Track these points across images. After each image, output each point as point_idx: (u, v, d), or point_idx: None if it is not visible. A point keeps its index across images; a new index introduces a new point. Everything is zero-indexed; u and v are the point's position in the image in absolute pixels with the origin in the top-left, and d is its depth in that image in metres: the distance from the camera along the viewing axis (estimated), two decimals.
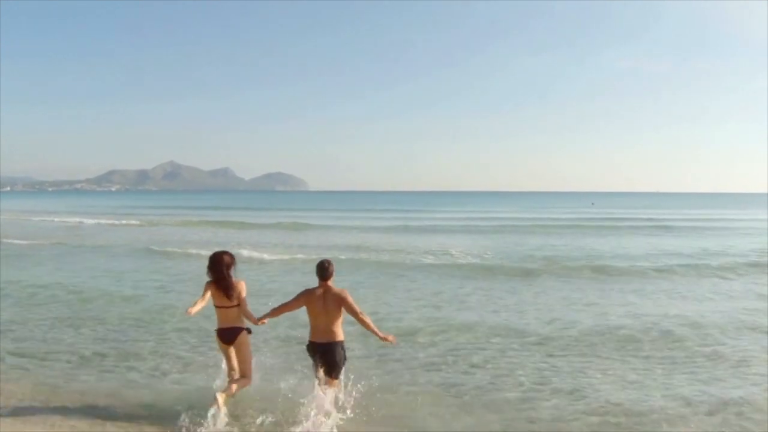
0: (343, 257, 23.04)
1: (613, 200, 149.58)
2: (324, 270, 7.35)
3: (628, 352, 10.44)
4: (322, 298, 7.26)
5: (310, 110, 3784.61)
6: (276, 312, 7.50)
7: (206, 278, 7.42)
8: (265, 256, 23.71)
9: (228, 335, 7.34)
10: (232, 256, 7.48)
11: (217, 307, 7.37)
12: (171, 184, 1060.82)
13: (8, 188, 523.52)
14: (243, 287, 7.38)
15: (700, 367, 9.55)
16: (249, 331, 7.48)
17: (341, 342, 7.29)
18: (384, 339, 7.39)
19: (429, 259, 23.65)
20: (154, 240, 32.39)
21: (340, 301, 7.23)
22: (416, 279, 18.72)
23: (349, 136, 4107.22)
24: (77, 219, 52.31)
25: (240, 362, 7.42)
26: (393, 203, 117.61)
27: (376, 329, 7.30)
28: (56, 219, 52.98)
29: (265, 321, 7.45)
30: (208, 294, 7.31)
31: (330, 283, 7.37)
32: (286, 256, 23.93)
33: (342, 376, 7.44)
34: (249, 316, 7.36)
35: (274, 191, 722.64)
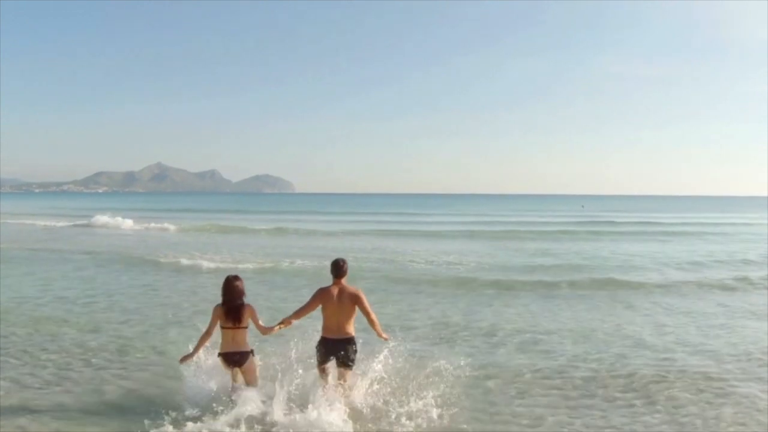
0: (317, 264, 21.24)
1: (604, 203, 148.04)
2: (339, 268, 7.67)
3: (639, 402, 8.23)
4: (337, 296, 7.53)
5: (297, 112, 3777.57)
6: (296, 316, 7.69)
7: (214, 301, 7.70)
8: (205, 264, 21.71)
9: (235, 359, 7.48)
10: (242, 280, 7.65)
11: (224, 328, 7.50)
12: (158, 186, 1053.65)
13: None
14: (253, 311, 7.59)
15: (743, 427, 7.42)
16: (253, 353, 7.68)
17: (353, 338, 7.59)
18: (382, 336, 7.88)
19: (416, 268, 21.67)
20: (123, 244, 30.56)
21: (355, 299, 7.53)
22: (401, 293, 16.67)
23: (337, 137, 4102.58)
24: (46, 222, 49.99)
25: (248, 383, 7.54)
26: (380, 206, 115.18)
27: (380, 330, 7.79)
28: (26, 222, 50.90)
29: (282, 326, 7.64)
30: (216, 325, 7.54)
31: (344, 281, 7.67)
32: (232, 264, 21.72)
33: (355, 370, 7.71)
34: (266, 331, 7.64)
35: (261, 193, 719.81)
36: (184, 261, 22.57)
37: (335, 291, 7.56)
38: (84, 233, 40.00)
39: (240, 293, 7.52)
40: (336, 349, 7.47)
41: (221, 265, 21.32)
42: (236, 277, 7.64)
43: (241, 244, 31.30)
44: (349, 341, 7.54)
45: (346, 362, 7.51)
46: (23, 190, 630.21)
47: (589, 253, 27.61)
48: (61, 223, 48.55)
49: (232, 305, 7.46)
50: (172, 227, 43.37)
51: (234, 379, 7.62)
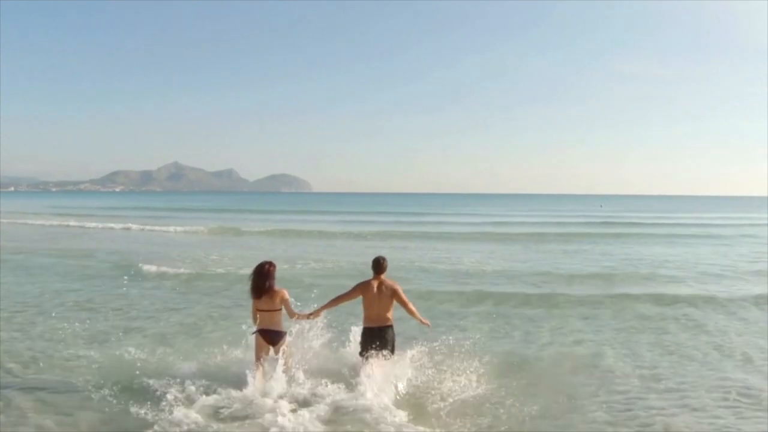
0: (317, 267, 20.00)
1: (621, 203, 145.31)
2: (379, 265, 8.33)
3: None
4: (377, 289, 8.16)
5: (314, 111, 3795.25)
6: (333, 303, 8.38)
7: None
8: (169, 270, 20.09)
9: (272, 336, 7.92)
10: (273, 266, 8.11)
11: (259, 311, 7.98)
12: (175, 185, 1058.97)
13: (12, 188, 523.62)
14: (285, 294, 8.03)
15: None
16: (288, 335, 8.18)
17: (392, 326, 8.21)
18: (423, 323, 8.51)
19: (431, 278, 20.03)
20: (124, 248, 29.30)
21: (393, 292, 8.19)
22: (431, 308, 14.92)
23: (355, 136, 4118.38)
24: (51, 222, 49.53)
25: (285, 361, 7.85)
26: (398, 205, 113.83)
27: (419, 316, 8.45)
28: (28, 222, 50.59)
29: (313, 316, 8.33)
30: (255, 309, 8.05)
31: (383, 276, 8.30)
32: (194, 271, 20.22)
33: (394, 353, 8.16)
34: (299, 317, 8.24)
35: (278, 193, 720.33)
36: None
37: (375, 284, 8.20)
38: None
39: (267, 276, 7.94)
40: (377, 337, 8.02)
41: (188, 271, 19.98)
42: (269, 263, 8.10)
43: (252, 247, 30.10)
44: (389, 328, 8.16)
45: (385, 349, 8.00)
46: (40, 188, 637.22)
47: (618, 257, 26.09)
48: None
49: (263, 288, 7.89)
50: (177, 229, 42.42)
51: (263, 359, 7.89)
